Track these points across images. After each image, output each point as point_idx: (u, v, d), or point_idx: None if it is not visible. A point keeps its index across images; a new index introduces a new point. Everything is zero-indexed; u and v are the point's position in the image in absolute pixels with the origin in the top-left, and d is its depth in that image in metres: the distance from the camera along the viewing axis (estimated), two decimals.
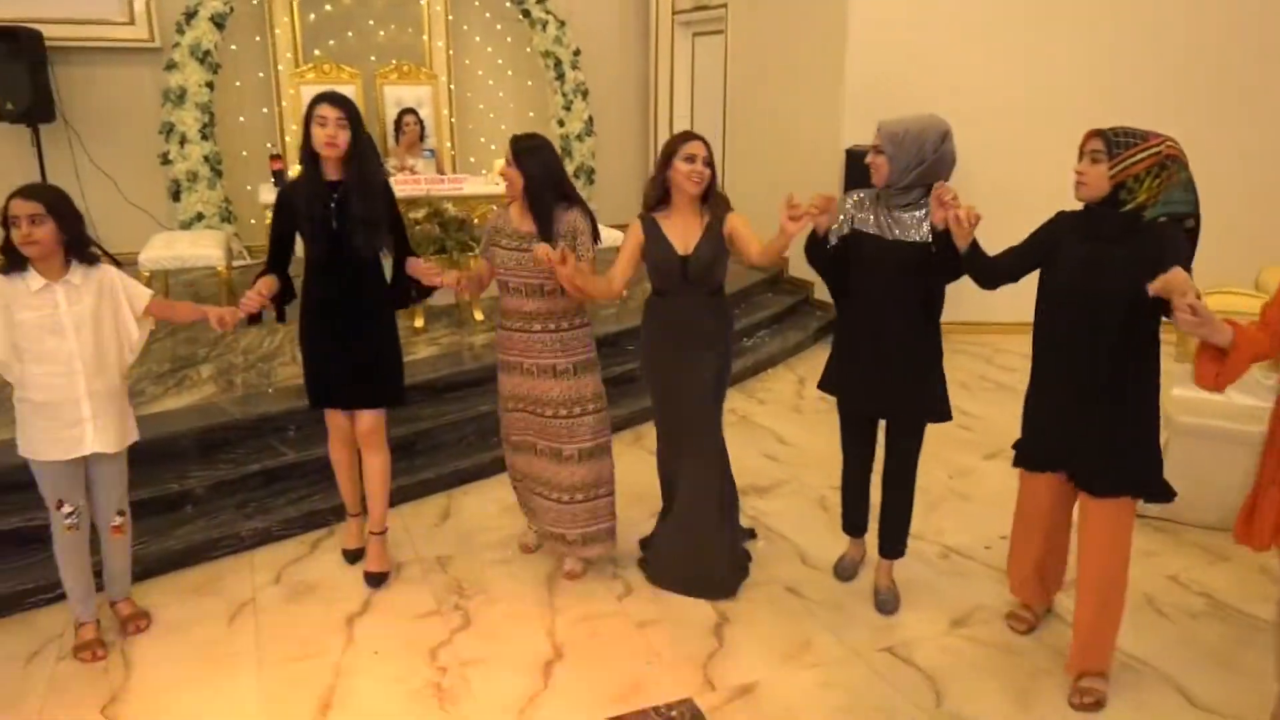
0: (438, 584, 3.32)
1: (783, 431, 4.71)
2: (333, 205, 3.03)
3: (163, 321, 3.34)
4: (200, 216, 6.71)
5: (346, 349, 3.15)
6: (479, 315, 5.31)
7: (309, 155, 3.05)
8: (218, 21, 6.63)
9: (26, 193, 2.61)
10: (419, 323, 5.21)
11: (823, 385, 3.17)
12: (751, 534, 3.65)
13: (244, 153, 7.17)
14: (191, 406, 4.03)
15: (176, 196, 6.68)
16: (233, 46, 7.00)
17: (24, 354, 2.67)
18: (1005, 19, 5.93)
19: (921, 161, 2.79)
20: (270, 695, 2.72)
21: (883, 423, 3.11)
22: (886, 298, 2.90)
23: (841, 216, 2.97)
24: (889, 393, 2.98)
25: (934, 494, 3.96)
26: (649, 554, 3.45)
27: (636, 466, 4.11)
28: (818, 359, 5.87)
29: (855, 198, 2.98)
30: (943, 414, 3.00)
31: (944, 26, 5.94)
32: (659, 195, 3.09)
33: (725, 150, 7.44)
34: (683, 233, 3.07)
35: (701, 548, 3.23)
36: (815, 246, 2.93)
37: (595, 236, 3.17)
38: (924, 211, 2.84)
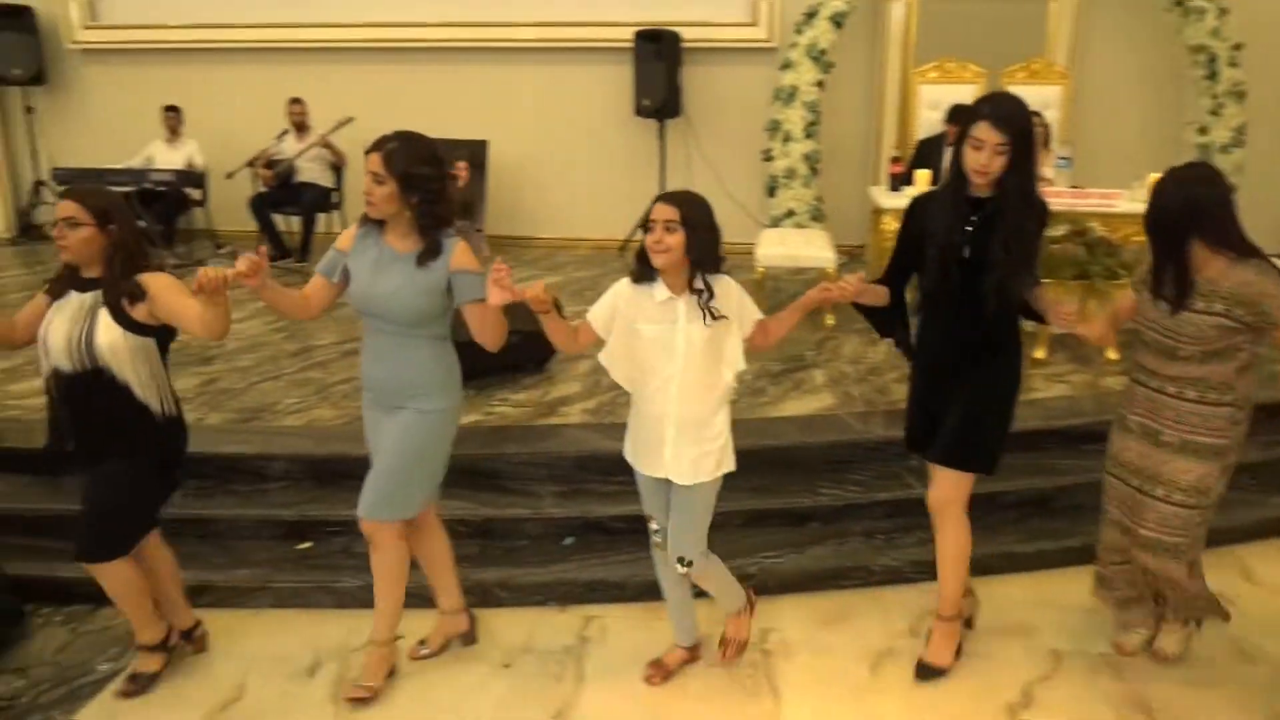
0: (1113, 694, 2.72)
1: None
2: (970, 229, 2.53)
3: None
4: (790, 213, 6.80)
5: (945, 395, 2.65)
6: (1112, 354, 4.52)
7: (956, 169, 2.54)
8: (837, 21, 6.60)
9: (669, 197, 2.41)
10: (1039, 353, 4.60)
11: None
12: None
13: (835, 177, 7.12)
14: (814, 416, 3.90)
15: (771, 192, 6.85)
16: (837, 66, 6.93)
17: (636, 365, 2.51)
18: None
19: None
20: None
21: None
22: None
23: None
24: None
25: None
26: None
27: None
28: None
29: None
30: None
31: None
32: None
33: None
34: None
35: None
36: None
37: None
38: None
